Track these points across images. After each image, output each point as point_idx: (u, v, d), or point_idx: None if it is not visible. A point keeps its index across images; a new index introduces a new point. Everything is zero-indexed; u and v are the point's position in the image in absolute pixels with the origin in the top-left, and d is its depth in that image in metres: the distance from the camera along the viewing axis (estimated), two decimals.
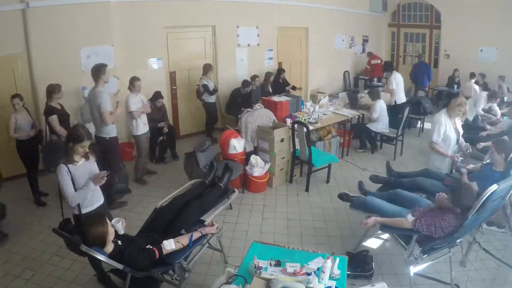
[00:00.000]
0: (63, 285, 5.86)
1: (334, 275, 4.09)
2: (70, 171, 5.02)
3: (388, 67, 12.34)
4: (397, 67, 19.22)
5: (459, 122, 7.57)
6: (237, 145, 8.71)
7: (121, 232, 4.82)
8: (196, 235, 5.20)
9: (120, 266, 4.34)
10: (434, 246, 5.13)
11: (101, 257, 4.22)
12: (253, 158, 8.71)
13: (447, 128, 7.29)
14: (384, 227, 5.50)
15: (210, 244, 5.48)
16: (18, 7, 9.15)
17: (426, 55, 18.36)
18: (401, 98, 11.86)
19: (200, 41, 12.71)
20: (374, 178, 7.30)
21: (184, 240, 5.04)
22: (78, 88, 9.93)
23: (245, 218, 7.68)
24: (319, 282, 3.94)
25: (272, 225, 7.41)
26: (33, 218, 7.89)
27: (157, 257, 4.61)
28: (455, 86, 15.30)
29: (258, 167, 8.61)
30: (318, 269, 4.08)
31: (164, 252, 4.71)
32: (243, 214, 7.79)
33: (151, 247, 4.66)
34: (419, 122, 13.01)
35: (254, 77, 12.46)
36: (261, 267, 4.13)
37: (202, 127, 12.62)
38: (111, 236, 4.43)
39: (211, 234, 5.47)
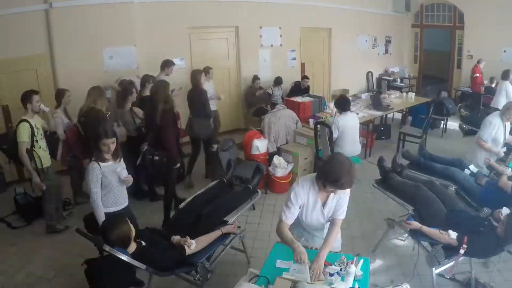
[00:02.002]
0: (85, 286, 5.91)
1: (356, 276, 4.08)
2: (101, 169, 5.07)
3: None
4: (420, 68, 19.16)
5: (508, 125, 7.55)
6: (260, 145, 8.73)
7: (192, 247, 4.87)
8: (216, 233, 5.27)
9: (143, 267, 4.36)
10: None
11: (123, 257, 4.22)
12: (276, 159, 8.74)
13: (498, 131, 7.30)
14: (415, 234, 5.41)
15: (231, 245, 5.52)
16: (41, 8, 9.25)
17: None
18: None
19: (223, 41, 12.76)
20: (406, 154, 7.32)
21: (206, 239, 5.10)
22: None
23: (268, 218, 7.71)
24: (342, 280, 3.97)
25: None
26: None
27: (180, 258, 4.64)
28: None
29: (281, 167, 8.64)
30: (340, 269, 4.10)
31: (188, 252, 4.75)
32: (266, 215, 7.83)
33: (175, 247, 4.69)
34: (442, 123, 12.92)
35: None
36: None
37: (225, 127, 12.65)
38: (132, 235, 4.45)
39: (233, 234, 5.52)
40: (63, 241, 7.05)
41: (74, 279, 5.96)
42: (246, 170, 8.10)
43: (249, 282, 4.09)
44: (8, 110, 9.21)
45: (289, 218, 4.34)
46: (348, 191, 4.31)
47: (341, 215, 4.41)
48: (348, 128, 8.42)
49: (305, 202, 4.35)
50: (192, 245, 4.80)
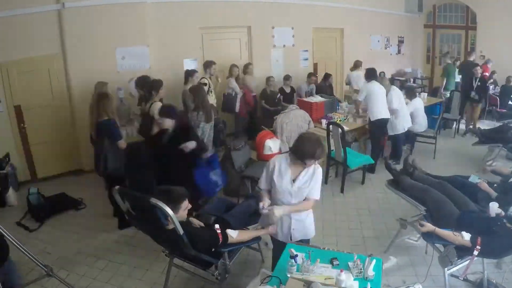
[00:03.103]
0: (97, 286, 5.95)
1: (368, 277, 4.10)
2: None
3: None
4: (433, 68, 19.13)
5: None
6: (273, 145, 8.76)
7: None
8: (260, 232, 5.27)
9: (180, 230, 4.36)
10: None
11: (168, 209, 4.24)
12: None
13: None
14: (429, 237, 5.39)
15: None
16: (54, 8, 9.30)
17: (461, 56, 18.17)
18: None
19: (236, 42, 12.81)
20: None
21: (248, 234, 5.15)
22: (113, 89, 9.74)
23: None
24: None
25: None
26: (68, 217, 8.09)
27: (219, 243, 4.66)
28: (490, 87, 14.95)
29: None
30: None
31: (229, 241, 4.78)
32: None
33: (218, 230, 4.72)
34: (455, 123, 12.88)
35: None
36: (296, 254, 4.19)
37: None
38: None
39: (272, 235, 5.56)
40: None
41: None
42: (258, 171, 8.15)
43: (261, 282, 4.12)
44: (21, 110, 9.32)
45: (262, 182, 4.93)
46: (320, 170, 4.79)
47: (314, 194, 4.77)
48: (375, 93, 9.37)
49: (277, 167, 4.73)
50: (234, 233, 4.84)
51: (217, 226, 4.77)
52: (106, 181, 7.79)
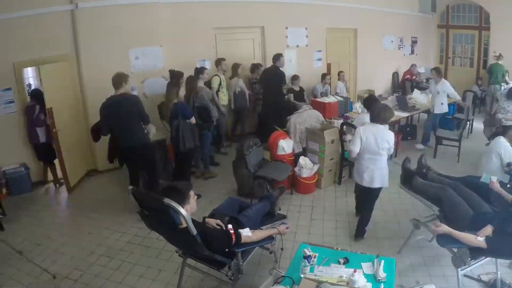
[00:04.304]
0: (111, 286, 5.96)
1: (380, 278, 4.10)
2: None
3: None
4: (446, 69, 19.02)
5: None
6: (286, 146, 8.74)
7: None
8: (273, 232, 5.30)
9: (194, 231, 4.36)
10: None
11: (181, 210, 4.23)
12: (302, 159, 8.75)
13: None
14: (443, 241, 5.37)
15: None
16: (67, 8, 9.39)
17: (475, 56, 18.14)
18: None
19: (249, 42, 12.83)
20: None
21: (260, 233, 5.15)
22: (126, 89, 9.91)
23: (294, 219, 7.71)
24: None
25: (320, 227, 7.43)
26: (84, 219, 8.11)
27: (232, 243, 4.66)
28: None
29: (306, 168, 8.65)
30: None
31: (242, 240, 4.78)
32: (292, 215, 7.81)
33: (231, 229, 4.73)
34: (468, 124, 12.76)
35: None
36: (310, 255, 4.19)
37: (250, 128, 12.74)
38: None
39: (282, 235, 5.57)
40: None
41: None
42: (271, 171, 8.17)
43: (274, 283, 4.13)
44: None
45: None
46: None
47: None
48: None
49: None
50: (247, 233, 4.85)
51: (230, 226, 4.78)
52: (176, 158, 8.77)
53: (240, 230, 4.80)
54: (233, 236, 4.65)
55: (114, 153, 7.95)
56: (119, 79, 7.51)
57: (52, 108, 8.69)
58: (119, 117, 7.35)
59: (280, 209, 7.65)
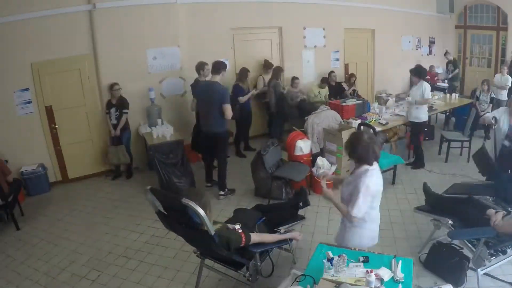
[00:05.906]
0: (129, 286, 5.99)
1: (398, 279, 4.05)
2: None
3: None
4: (464, 69, 18.93)
5: None
6: (303, 146, 8.72)
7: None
8: (282, 237, 5.29)
9: (212, 231, 4.32)
10: (502, 248, 5.06)
11: (199, 209, 4.16)
12: (320, 160, 8.71)
13: None
14: (456, 234, 5.36)
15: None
16: (85, 8, 9.42)
17: (493, 57, 18.03)
18: None
19: (267, 42, 12.80)
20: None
21: (270, 237, 5.16)
22: (144, 90, 10.07)
23: (311, 219, 7.69)
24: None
25: (338, 227, 7.39)
26: (100, 219, 8.16)
27: (242, 245, 4.64)
28: None
29: (324, 168, 8.62)
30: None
31: (251, 241, 4.76)
32: (310, 216, 7.74)
33: (240, 230, 4.73)
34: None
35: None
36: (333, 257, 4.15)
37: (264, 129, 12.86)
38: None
39: (295, 240, 5.56)
40: None
41: None
42: (289, 171, 8.15)
43: (292, 283, 4.11)
44: (52, 111, 9.44)
45: None
46: None
47: None
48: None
49: None
50: (256, 236, 4.86)
51: (237, 226, 4.78)
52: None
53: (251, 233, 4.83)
54: (243, 236, 4.65)
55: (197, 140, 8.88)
56: (219, 67, 8.37)
57: (52, 106, 9.31)
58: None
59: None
